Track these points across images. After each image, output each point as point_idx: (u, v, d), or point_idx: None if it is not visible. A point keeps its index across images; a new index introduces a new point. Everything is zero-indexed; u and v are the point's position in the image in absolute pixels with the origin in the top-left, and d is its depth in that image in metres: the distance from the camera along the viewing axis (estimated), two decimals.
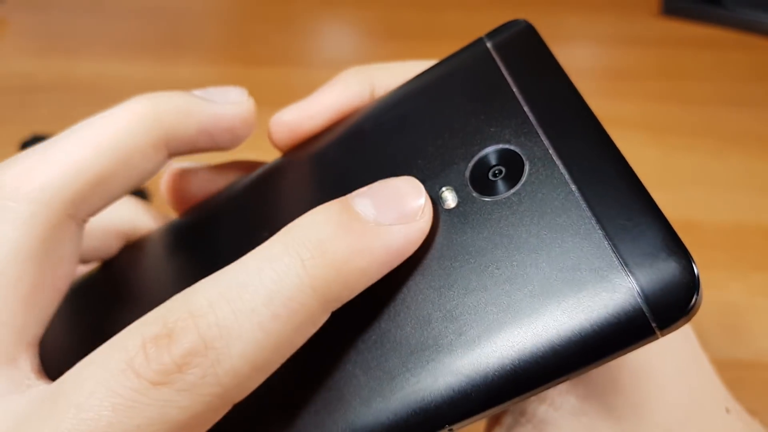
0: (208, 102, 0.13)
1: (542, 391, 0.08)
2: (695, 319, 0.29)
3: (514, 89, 0.11)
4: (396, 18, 0.53)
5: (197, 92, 0.14)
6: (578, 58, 0.50)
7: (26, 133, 0.30)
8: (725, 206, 0.36)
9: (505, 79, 0.11)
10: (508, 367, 0.08)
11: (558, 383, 0.08)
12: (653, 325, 0.08)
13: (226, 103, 0.13)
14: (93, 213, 0.12)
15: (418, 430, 0.09)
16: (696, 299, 0.08)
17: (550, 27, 0.52)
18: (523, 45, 0.11)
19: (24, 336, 0.10)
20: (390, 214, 0.10)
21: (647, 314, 0.08)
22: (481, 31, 0.13)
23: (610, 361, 0.08)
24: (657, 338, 0.08)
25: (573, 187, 0.09)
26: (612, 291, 0.08)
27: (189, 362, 0.09)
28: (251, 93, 0.50)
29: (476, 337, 0.08)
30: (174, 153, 0.13)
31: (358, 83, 0.14)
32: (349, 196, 0.10)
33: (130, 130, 0.12)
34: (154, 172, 0.13)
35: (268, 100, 0.44)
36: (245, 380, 0.09)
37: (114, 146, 0.12)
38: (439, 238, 0.10)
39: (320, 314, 0.10)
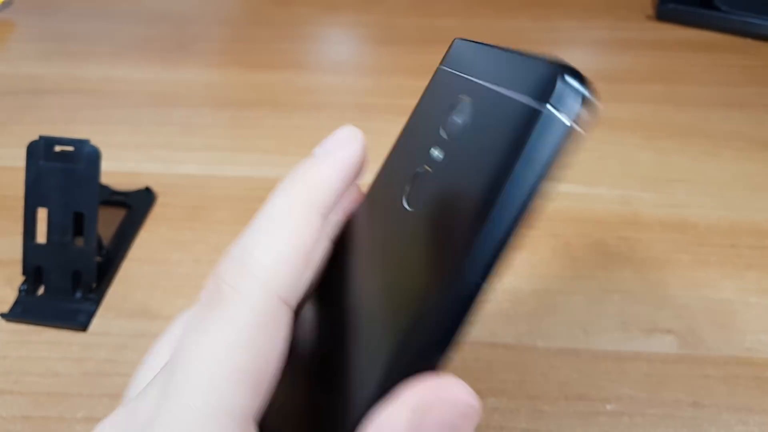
0: (331, 159, 0.14)
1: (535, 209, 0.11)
2: (691, 317, 0.30)
3: (465, 75, 0.14)
4: (395, 23, 0.54)
5: (317, 151, 0.14)
6: (573, 61, 0.50)
7: (33, 135, 0.31)
8: (719, 206, 0.36)
9: (458, 74, 0.14)
10: (523, 192, 0.10)
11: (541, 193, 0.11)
12: (572, 123, 0.10)
13: (346, 146, 0.14)
14: (301, 294, 0.13)
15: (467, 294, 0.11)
16: (578, 91, 0.10)
17: (545, 31, 0.53)
18: (461, 52, 0.15)
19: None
20: None
21: (565, 118, 0.10)
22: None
23: (563, 163, 0.10)
24: (575, 130, 0.10)
25: (491, 86, 0.12)
26: (540, 119, 0.10)
27: None
28: (254, 96, 0.51)
29: (489, 190, 0.11)
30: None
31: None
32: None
33: (307, 226, 0.13)
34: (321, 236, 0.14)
35: (270, 102, 0.45)
36: None
37: (303, 243, 0.13)
38: (447, 171, 0.12)
39: None
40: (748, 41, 0.51)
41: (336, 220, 0.15)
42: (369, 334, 0.13)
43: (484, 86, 0.12)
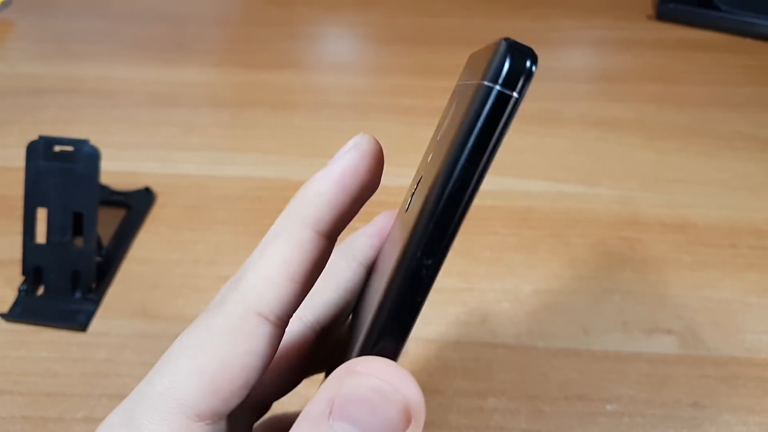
0: (326, 172, 0.13)
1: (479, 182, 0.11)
2: (691, 317, 0.30)
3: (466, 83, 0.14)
4: (395, 23, 0.54)
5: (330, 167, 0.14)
6: (574, 60, 0.50)
7: (33, 135, 0.31)
8: (719, 206, 0.36)
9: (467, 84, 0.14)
10: (463, 169, 0.11)
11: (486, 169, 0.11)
12: (509, 92, 0.11)
13: (343, 156, 0.13)
14: (290, 309, 0.13)
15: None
16: (519, 62, 0.11)
17: (546, 31, 0.53)
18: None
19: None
20: None
21: (502, 89, 0.11)
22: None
23: (505, 133, 0.11)
24: (515, 98, 0.11)
25: (466, 82, 0.12)
26: (479, 95, 0.11)
27: None
28: (253, 96, 0.50)
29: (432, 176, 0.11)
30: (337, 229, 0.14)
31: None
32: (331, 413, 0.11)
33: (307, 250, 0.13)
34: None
35: (270, 102, 0.45)
36: None
37: (303, 266, 0.13)
38: None
39: None
40: (748, 41, 0.51)
41: (371, 243, 0.16)
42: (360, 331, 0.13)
43: (462, 84, 0.13)
